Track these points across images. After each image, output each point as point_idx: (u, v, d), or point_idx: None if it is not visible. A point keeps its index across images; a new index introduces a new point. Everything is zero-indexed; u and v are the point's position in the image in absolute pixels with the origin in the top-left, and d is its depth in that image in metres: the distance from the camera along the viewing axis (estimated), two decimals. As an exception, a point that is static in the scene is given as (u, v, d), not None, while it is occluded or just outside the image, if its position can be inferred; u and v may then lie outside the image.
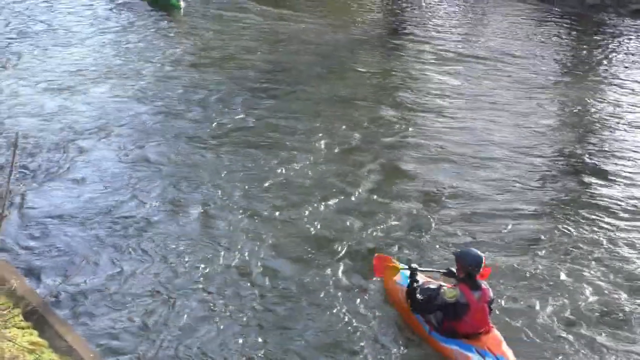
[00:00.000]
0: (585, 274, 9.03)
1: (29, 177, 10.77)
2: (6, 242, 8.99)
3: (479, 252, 7.70)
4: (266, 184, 10.88)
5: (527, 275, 8.96)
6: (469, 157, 12.29)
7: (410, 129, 13.37)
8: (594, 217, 10.47)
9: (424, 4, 22.70)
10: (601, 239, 9.88)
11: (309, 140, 12.49)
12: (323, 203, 10.30)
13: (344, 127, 13.19)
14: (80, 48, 16.92)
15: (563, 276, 8.95)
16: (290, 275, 8.62)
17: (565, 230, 10.06)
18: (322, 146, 12.34)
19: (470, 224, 10.16)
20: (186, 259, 8.84)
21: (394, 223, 9.95)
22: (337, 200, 10.44)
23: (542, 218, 10.43)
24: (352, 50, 18.04)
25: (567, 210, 10.66)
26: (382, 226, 9.84)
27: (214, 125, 12.99)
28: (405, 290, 8.10)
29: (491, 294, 7.71)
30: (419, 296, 7.89)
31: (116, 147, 11.92)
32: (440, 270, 8.18)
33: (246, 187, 10.75)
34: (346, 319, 8.00)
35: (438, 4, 22.54)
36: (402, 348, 7.79)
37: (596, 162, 12.39)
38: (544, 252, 9.50)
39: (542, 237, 9.87)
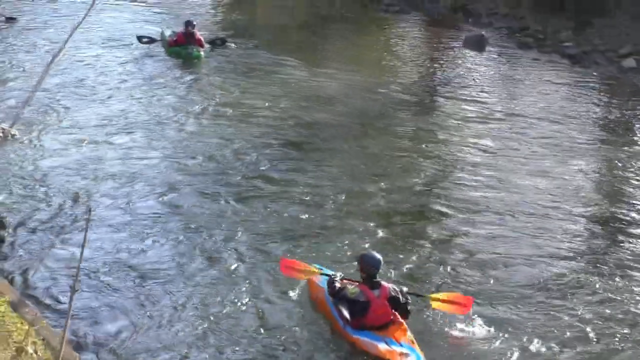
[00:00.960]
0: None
1: (55, 224, 11.83)
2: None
3: (378, 256, 9.31)
4: (295, 235, 11.73)
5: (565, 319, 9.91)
6: (504, 213, 12.99)
7: (445, 184, 14.15)
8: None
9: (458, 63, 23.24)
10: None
11: (341, 197, 13.21)
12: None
13: (377, 182, 13.94)
14: (107, 101, 17.78)
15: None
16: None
17: (604, 284, 10.88)
18: (355, 201, 13.11)
19: (501, 271, 11.10)
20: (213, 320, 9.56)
21: (426, 271, 10.92)
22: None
23: (576, 269, 11.23)
24: (387, 108, 18.45)
25: (604, 266, 11.42)
26: (419, 273, 10.84)
27: (241, 179, 13.81)
28: (324, 290, 9.55)
29: (392, 292, 9.15)
30: (336, 285, 9.40)
31: (142, 197, 12.92)
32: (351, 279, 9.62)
33: (271, 241, 11.54)
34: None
35: (476, 65, 23.03)
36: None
37: (632, 223, 12.97)
38: (578, 298, 10.42)
39: (576, 285, 10.74)
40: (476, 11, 27.39)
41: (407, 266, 10.99)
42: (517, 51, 24.61)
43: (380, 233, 12.00)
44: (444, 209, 13.07)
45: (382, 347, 8.68)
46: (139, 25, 23.82)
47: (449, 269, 11.07)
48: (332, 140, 16.19)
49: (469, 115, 18.26)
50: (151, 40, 22.35)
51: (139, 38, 22.33)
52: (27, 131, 15.44)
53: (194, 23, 22.21)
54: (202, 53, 21.73)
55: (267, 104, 18.16)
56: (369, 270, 9.23)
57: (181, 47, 21.71)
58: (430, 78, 21.63)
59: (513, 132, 17.19)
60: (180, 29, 22.50)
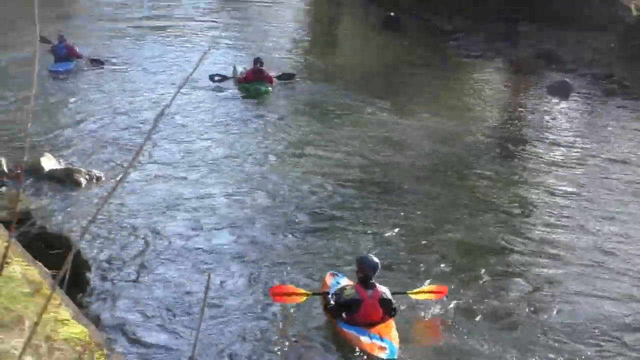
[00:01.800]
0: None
1: (139, 263, 12.21)
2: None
3: (376, 260, 10.49)
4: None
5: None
6: (589, 265, 12.97)
7: (523, 225, 14.31)
8: None
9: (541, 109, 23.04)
10: None
11: (415, 233, 13.51)
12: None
13: (453, 220, 14.24)
14: (185, 139, 18.39)
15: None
16: None
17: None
18: (427, 237, 13.46)
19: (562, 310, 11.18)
20: None
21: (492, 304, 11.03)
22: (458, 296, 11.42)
23: None
24: (467, 151, 18.63)
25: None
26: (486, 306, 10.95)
27: (313, 216, 14.22)
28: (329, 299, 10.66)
29: (384, 295, 10.36)
30: (332, 303, 10.52)
31: (218, 231, 13.56)
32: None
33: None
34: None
35: (559, 111, 22.83)
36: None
37: None
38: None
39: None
40: (560, 57, 27.19)
41: (474, 299, 11.39)
42: (602, 98, 24.44)
43: (453, 265, 12.44)
44: (521, 248, 13.38)
45: (364, 339, 10.04)
46: (213, 64, 24.12)
47: (511, 302, 11.28)
48: (410, 180, 16.52)
49: (551, 160, 18.31)
50: (223, 78, 23.12)
51: (211, 77, 23.02)
52: (111, 173, 15.85)
53: (262, 60, 22.98)
54: (270, 89, 22.54)
55: (341, 143, 18.57)
56: (366, 272, 10.41)
57: (250, 83, 22.52)
58: (512, 123, 21.63)
59: (595, 178, 17.21)
60: (250, 66, 23.24)
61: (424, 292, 11.11)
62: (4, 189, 14.52)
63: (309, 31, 33.84)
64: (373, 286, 10.39)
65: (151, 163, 16.60)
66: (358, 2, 38.44)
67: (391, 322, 10.41)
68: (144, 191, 15.20)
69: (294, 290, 10.85)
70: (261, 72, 22.68)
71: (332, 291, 10.80)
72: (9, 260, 6.42)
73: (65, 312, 6.31)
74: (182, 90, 22.14)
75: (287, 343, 10.24)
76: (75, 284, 10.70)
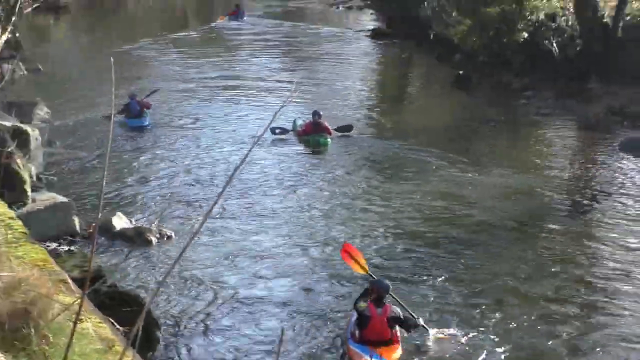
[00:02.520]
0: None
1: (209, 323, 12.35)
2: None
3: (387, 282, 11.99)
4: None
5: None
6: None
7: (597, 289, 14.09)
8: None
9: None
10: None
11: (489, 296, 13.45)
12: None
13: (526, 276, 14.26)
14: (250, 194, 18.82)
15: None
16: None
17: None
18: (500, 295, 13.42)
19: None
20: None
21: None
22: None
23: None
24: (538, 208, 18.50)
25: None
26: None
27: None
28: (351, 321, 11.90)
29: (392, 313, 11.56)
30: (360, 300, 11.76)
31: (292, 286, 13.97)
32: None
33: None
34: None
35: (632, 168, 22.38)
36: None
37: None
38: None
39: None
40: (632, 114, 26.88)
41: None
42: (676, 155, 23.94)
43: (508, 316, 12.67)
44: (585, 302, 13.46)
45: (365, 357, 11.09)
46: (278, 118, 24.45)
47: None
48: (476, 233, 16.68)
49: (622, 216, 17.99)
50: (283, 131, 23.83)
51: (273, 129, 23.60)
52: (181, 231, 16.21)
53: (321, 113, 23.93)
54: (329, 140, 23.28)
55: (405, 197, 18.78)
56: (378, 292, 11.75)
57: (309, 136, 23.40)
58: (583, 180, 21.43)
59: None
60: (309, 119, 24.05)
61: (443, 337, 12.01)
62: (77, 248, 14.86)
63: (377, 89, 34.17)
64: (383, 304, 11.69)
65: (216, 217, 16.88)
66: (428, 61, 38.64)
67: (398, 348, 11.53)
68: (209, 244, 15.66)
69: (360, 259, 12.49)
70: (319, 125, 23.47)
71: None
72: (82, 318, 6.59)
73: (136, 369, 6.44)
74: (241, 144, 23.05)
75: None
76: (145, 341, 10.87)
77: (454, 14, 38.13)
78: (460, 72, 33.50)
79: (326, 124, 23.61)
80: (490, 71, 33.03)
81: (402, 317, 11.70)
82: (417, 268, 14.78)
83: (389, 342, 11.49)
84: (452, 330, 12.23)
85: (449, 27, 37.14)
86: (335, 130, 23.89)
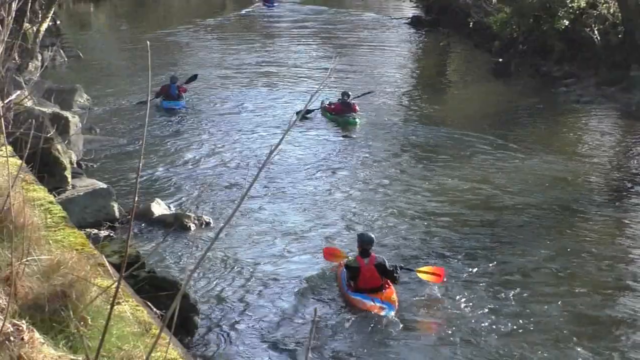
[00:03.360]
0: None
1: (248, 310, 12.37)
2: None
3: (371, 235, 13.37)
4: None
5: None
6: None
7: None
8: None
9: None
10: None
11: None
12: None
13: (570, 267, 13.90)
14: (285, 177, 19.14)
15: None
16: None
17: None
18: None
19: None
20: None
21: None
22: None
23: None
24: (582, 196, 18.39)
25: None
26: None
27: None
28: (342, 269, 13.17)
29: (379, 260, 12.86)
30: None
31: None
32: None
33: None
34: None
35: None
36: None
37: None
38: None
39: None
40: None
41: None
42: None
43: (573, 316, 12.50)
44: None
45: (368, 303, 12.42)
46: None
47: None
48: (516, 221, 16.75)
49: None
50: (308, 112, 24.30)
51: (297, 113, 23.46)
52: (219, 216, 16.29)
53: (350, 93, 24.88)
54: (357, 120, 24.06)
55: (445, 183, 18.86)
56: (363, 245, 13.05)
57: (339, 115, 24.05)
58: (624, 169, 21.15)
59: None
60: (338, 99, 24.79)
61: (428, 272, 13.13)
62: (116, 234, 15.00)
63: (416, 77, 34.03)
64: (369, 254, 12.99)
65: (252, 200, 17.06)
66: (466, 49, 38.46)
67: (392, 290, 12.76)
68: (246, 228, 15.88)
69: (340, 253, 13.50)
70: (348, 105, 24.18)
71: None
72: (119, 301, 6.66)
73: (173, 352, 6.52)
74: (276, 128, 23.33)
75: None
76: (183, 327, 10.96)
77: (493, 1, 37.92)
78: (500, 60, 33.34)
79: (355, 103, 24.36)
80: (530, 59, 32.84)
81: (387, 264, 12.93)
82: (451, 252, 14.83)
83: (381, 287, 12.78)
84: (435, 269, 13.27)
85: (488, 14, 36.92)
86: (357, 97, 25.08)
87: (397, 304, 12.48)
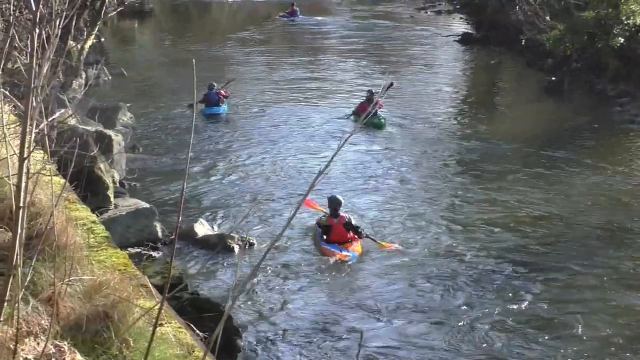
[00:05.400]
0: None
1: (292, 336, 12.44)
2: None
3: (340, 198, 16.43)
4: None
5: None
6: None
7: None
8: None
9: None
10: None
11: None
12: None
13: None
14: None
15: None
16: None
17: None
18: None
19: None
20: None
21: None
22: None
23: None
24: (634, 226, 18.05)
25: None
26: None
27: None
28: (316, 228, 16.40)
29: (346, 219, 16.01)
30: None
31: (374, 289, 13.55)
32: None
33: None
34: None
35: None
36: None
37: None
38: None
39: None
40: None
41: None
42: None
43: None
44: None
45: (336, 251, 15.47)
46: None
47: None
48: (574, 241, 16.82)
49: None
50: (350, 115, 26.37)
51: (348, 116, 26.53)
52: (263, 237, 16.43)
53: (373, 91, 26.78)
54: (382, 121, 25.32)
55: (498, 203, 18.91)
56: (332, 206, 16.23)
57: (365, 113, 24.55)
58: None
59: None
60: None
61: (383, 244, 15.88)
62: (159, 254, 15.10)
63: (466, 95, 33.87)
64: (338, 215, 16.13)
65: (299, 215, 17.11)
66: (518, 67, 38.26)
67: (358, 243, 15.90)
68: (290, 249, 16.05)
69: (316, 205, 16.92)
70: (372, 102, 25.18)
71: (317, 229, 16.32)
72: (162, 323, 6.71)
73: (215, 376, 6.53)
74: (321, 143, 23.68)
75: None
76: (226, 350, 10.99)
77: (546, 18, 37.73)
78: (552, 78, 33.11)
79: (380, 100, 25.24)
80: (584, 77, 32.58)
81: (354, 223, 16.08)
82: (498, 274, 14.96)
83: (349, 241, 15.86)
84: (396, 245, 15.84)
85: (541, 32, 36.73)
86: (381, 94, 26.46)
87: (360, 253, 15.64)
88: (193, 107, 23.52)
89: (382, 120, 25.21)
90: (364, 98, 26.79)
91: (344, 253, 15.43)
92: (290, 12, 52.43)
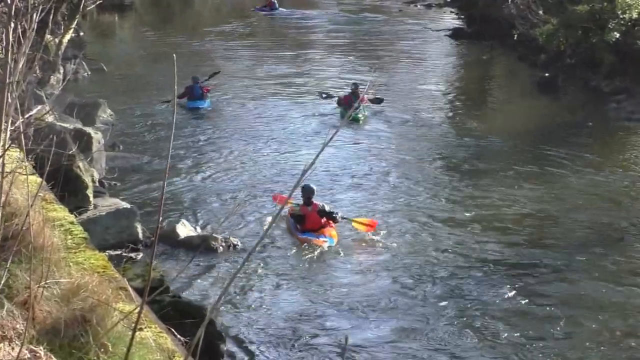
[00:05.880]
0: None
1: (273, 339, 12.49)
2: None
3: (312, 186, 16.88)
4: None
5: None
6: None
7: None
8: None
9: None
10: None
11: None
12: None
13: None
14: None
15: None
16: None
17: None
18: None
19: None
20: None
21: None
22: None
23: None
24: (632, 217, 18.29)
25: None
26: None
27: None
28: (290, 219, 16.92)
29: (320, 207, 16.60)
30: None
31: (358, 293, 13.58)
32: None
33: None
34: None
35: None
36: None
37: None
38: None
39: None
40: None
41: None
42: None
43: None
44: None
45: (313, 238, 16.10)
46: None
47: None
48: (569, 240, 16.97)
49: None
50: (328, 96, 27.60)
51: (320, 93, 27.99)
52: (248, 238, 16.53)
53: (359, 84, 27.53)
54: (360, 116, 25.87)
55: (494, 201, 19.05)
56: (305, 195, 16.83)
57: (348, 106, 25.84)
58: None
59: None
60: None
61: (362, 223, 16.66)
62: (139, 256, 15.08)
63: (457, 91, 33.87)
64: (311, 203, 16.77)
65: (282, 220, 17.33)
66: (510, 62, 38.34)
67: (333, 228, 16.52)
68: (276, 250, 16.17)
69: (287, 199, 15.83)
70: (357, 96, 25.86)
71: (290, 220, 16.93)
72: (142, 327, 6.70)
73: (197, 382, 6.51)
74: (305, 141, 23.81)
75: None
76: (209, 355, 10.97)
77: (539, 12, 37.80)
78: (546, 74, 33.18)
79: (364, 95, 26.38)
80: (578, 73, 32.64)
81: (327, 210, 16.65)
82: (495, 274, 15.08)
83: (323, 227, 16.47)
84: (369, 221, 16.68)
85: (534, 26, 36.79)
86: (370, 101, 27.05)
87: (337, 238, 16.24)
88: (172, 103, 23.58)
89: (359, 115, 25.71)
90: (349, 90, 27.32)
91: (321, 239, 16.05)
92: (269, 5, 52.08)
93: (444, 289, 14.37)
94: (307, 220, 16.52)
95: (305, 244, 16.05)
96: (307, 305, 13.73)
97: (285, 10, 52.02)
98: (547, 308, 13.70)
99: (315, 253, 15.91)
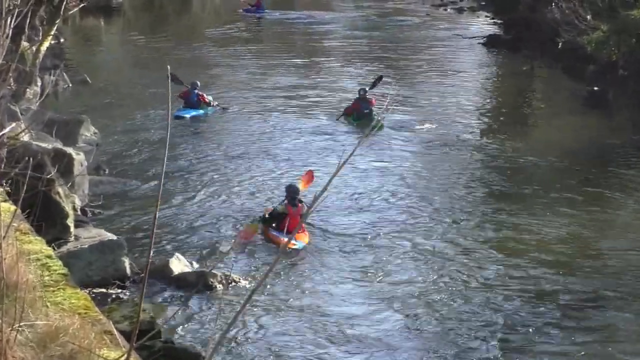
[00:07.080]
0: None
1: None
2: None
3: (297, 185, 18.55)
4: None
5: None
6: None
7: None
8: None
9: None
10: None
11: None
12: None
13: None
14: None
15: None
16: None
17: None
18: None
19: None
20: None
21: None
22: None
23: None
24: None
25: None
26: None
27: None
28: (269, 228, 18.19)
29: (303, 210, 17.74)
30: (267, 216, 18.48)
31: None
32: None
33: None
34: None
35: None
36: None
37: None
38: None
39: None
40: None
41: None
42: None
43: None
44: None
45: (284, 238, 17.33)
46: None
47: None
48: (618, 281, 16.76)
49: None
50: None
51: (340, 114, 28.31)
52: (250, 274, 16.54)
53: (367, 89, 28.19)
54: (382, 122, 26.50)
55: (530, 229, 19.11)
56: (290, 195, 18.24)
57: (357, 112, 27.22)
58: None
59: None
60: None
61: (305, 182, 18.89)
62: (127, 295, 15.09)
63: (493, 107, 33.88)
64: (297, 205, 18.16)
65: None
66: (554, 74, 38.38)
67: (306, 234, 17.85)
68: (278, 290, 16.04)
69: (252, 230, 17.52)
70: (366, 100, 27.55)
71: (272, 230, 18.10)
72: (130, 377, 6.72)
73: None
74: (313, 163, 23.55)
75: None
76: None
77: (588, 17, 37.86)
78: (594, 88, 33.21)
79: (372, 98, 27.39)
80: (632, 87, 32.64)
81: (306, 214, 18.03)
82: (527, 294, 15.52)
83: (298, 230, 17.39)
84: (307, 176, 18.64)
85: (582, 33, 36.85)
86: (371, 88, 28.43)
87: (307, 241, 17.66)
88: (168, 128, 23.61)
89: (382, 122, 26.27)
90: (357, 96, 28.12)
91: (292, 241, 17.14)
92: (256, 5, 52.72)
93: (477, 323, 14.61)
94: (289, 220, 17.89)
95: (274, 243, 17.67)
96: (311, 342, 13.92)
97: (273, 11, 53.08)
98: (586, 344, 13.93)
99: (314, 280, 16.29)
